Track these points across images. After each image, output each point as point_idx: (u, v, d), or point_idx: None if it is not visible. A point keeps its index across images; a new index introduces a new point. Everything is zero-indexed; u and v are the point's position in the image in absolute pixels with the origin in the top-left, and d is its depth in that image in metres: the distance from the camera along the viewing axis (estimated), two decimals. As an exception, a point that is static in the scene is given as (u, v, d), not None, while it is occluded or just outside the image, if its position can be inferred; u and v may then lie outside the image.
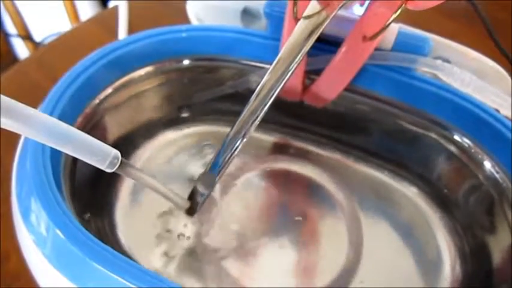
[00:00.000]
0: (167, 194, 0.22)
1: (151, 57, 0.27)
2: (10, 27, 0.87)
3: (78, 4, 0.83)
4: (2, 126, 0.15)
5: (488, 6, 0.39)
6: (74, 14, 0.82)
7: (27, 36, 0.87)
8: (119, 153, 0.18)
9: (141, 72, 0.27)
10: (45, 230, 0.19)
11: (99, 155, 0.18)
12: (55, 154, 0.22)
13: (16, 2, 0.82)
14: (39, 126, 0.16)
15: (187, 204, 0.24)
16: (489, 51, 0.34)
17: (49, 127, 0.16)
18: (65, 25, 0.81)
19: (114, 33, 0.44)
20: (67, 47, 0.44)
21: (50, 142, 0.16)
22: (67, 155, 0.23)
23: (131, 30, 0.45)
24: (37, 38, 0.87)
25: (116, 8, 0.47)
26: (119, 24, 0.45)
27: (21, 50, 0.91)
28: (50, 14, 0.85)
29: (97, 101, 0.25)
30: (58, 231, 0.19)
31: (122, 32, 0.45)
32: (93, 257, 0.18)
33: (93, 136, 0.25)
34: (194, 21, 0.34)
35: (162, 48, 0.27)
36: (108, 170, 0.18)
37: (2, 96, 0.15)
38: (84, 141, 0.17)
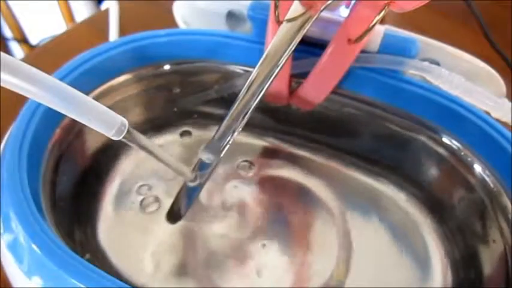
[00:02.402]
0: (172, 164, 0.22)
1: (132, 64, 0.26)
2: (7, 31, 0.87)
3: (73, 6, 0.83)
4: (10, 87, 0.15)
5: (482, 3, 0.38)
6: (69, 16, 0.82)
7: (23, 40, 0.87)
8: (126, 121, 0.18)
9: (122, 78, 0.26)
10: (22, 245, 0.19)
11: (105, 121, 0.17)
12: (32, 166, 0.21)
13: (11, 5, 0.82)
14: (44, 87, 0.15)
15: (192, 175, 0.23)
16: (485, 50, 0.33)
17: (55, 88, 0.16)
18: (61, 27, 0.81)
19: (106, 35, 0.44)
20: (59, 50, 0.43)
21: (54, 104, 0.16)
22: (46, 166, 0.23)
23: (123, 32, 0.44)
24: (33, 41, 0.87)
25: (108, 10, 0.47)
26: (110, 27, 0.45)
27: (20, 54, 0.91)
28: (46, 17, 0.85)
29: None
30: (34, 246, 0.18)
31: (113, 35, 0.44)
32: (71, 273, 0.18)
33: (73, 146, 0.25)
34: (181, 25, 0.34)
35: (142, 54, 0.26)
36: (115, 138, 0.18)
37: (8, 56, 0.14)
38: (90, 106, 0.17)
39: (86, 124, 0.17)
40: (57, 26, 0.81)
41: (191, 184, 0.24)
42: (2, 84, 0.14)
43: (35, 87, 0.15)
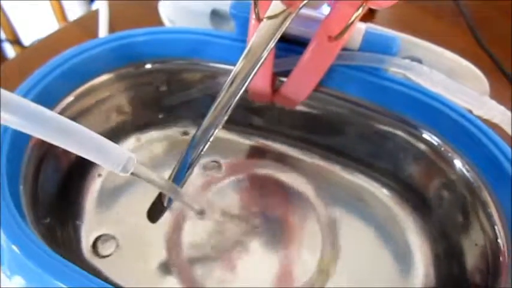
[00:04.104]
0: (182, 197, 0.22)
1: (113, 63, 0.26)
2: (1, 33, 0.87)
3: (66, 7, 0.83)
4: (10, 125, 0.14)
5: (473, 4, 0.38)
6: (62, 17, 0.82)
7: (16, 41, 0.86)
8: (133, 157, 0.18)
9: (104, 78, 0.26)
10: (2, 246, 0.19)
11: (112, 158, 0.17)
12: (12, 166, 0.21)
13: (4, 6, 0.82)
14: (47, 124, 0.15)
15: (201, 211, 0.25)
16: (474, 49, 0.33)
17: (59, 126, 0.16)
18: (54, 29, 0.81)
19: (96, 35, 0.44)
20: (49, 50, 0.43)
21: (59, 141, 0.16)
22: (27, 166, 0.23)
23: (112, 32, 0.44)
24: (26, 42, 0.87)
25: (98, 10, 0.47)
26: (99, 28, 0.45)
27: (13, 55, 0.91)
28: (39, 18, 0.85)
29: (58, 109, 0.24)
30: (14, 247, 0.18)
31: (103, 34, 0.44)
32: (52, 272, 0.18)
33: (55, 147, 0.24)
34: (167, 24, 0.34)
35: (123, 53, 0.26)
36: (122, 174, 0.18)
37: (10, 93, 0.14)
38: (96, 143, 0.17)
39: (92, 160, 0.17)
40: (50, 27, 0.81)
41: (198, 216, 0.26)
42: (3, 123, 0.14)
43: (38, 125, 0.15)
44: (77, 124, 0.16)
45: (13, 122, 0.14)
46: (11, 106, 0.14)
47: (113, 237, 0.26)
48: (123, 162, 0.17)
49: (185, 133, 0.31)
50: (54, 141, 0.16)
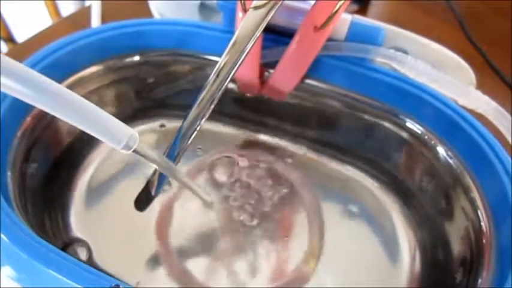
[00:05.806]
0: (185, 182, 0.22)
1: (101, 54, 0.27)
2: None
3: (60, 5, 0.82)
4: (17, 95, 0.14)
5: (466, 2, 0.39)
6: (56, 15, 0.81)
7: (9, 39, 0.86)
8: (136, 135, 0.17)
9: (93, 69, 0.26)
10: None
11: (114, 134, 0.16)
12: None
13: (-3, 4, 0.82)
14: (51, 96, 0.15)
15: (207, 197, 0.25)
16: (465, 46, 0.33)
17: (61, 96, 0.15)
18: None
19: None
20: (40, 46, 0.43)
21: (60, 113, 0.15)
22: (15, 155, 0.23)
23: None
24: (20, 40, 0.87)
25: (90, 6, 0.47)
26: (92, 23, 0.45)
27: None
28: (32, 16, 0.85)
29: (47, 100, 0.24)
30: (3, 236, 0.18)
31: (95, 31, 0.44)
32: (41, 260, 0.18)
33: (45, 135, 0.25)
34: (157, 17, 0.34)
35: (111, 45, 0.26)
36: (124, 151, 0.17)
37: (15, 62, 0.14)
38: (99, 118, 0.16)
39: (94, 135, 0.16)
40: (44, 25, 0.81)
41: (207, 206, 0.27)
42: (3, 90, 0.14)
43: (40, 94, 0.14)
44: (79, 96, 0.16)
45: (16, 89, 0.14)
46: (15, 74, 0.14)
47: (101, 228, 0.26)
48: (126, 138, 0.17)
49: (174, 125, 0.31)
50: (56, 112, 0.15)
